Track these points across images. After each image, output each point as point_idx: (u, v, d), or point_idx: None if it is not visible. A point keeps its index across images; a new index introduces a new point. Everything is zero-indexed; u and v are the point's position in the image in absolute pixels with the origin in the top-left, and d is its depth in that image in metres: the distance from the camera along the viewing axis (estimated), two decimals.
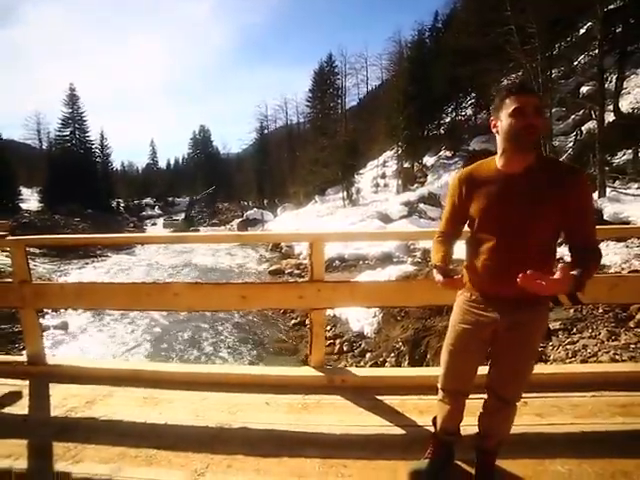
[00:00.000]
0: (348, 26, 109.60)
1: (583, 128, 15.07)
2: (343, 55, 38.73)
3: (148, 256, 21.71)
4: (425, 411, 2.05)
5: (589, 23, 15.26)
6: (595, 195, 12.61)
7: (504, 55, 15.66)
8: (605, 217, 11.92)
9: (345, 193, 28.40)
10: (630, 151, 12.93)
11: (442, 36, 26.97)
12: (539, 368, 1.83)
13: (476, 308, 1.58)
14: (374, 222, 19.79)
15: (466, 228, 1.65)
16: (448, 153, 25.31)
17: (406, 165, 27.09)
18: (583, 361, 5.35)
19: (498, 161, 1.51)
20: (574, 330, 6.23)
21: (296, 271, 16.66)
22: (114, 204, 46.73)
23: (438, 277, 1.54)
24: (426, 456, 1.79)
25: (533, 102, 1.40)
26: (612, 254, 9.02)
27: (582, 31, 17.45)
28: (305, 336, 10.83)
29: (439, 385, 1.73)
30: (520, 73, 16.83)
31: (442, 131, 27.39)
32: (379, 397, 2.16)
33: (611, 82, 14.26)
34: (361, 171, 30.32)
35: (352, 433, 1.88)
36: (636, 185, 12.68)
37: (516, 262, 1.39)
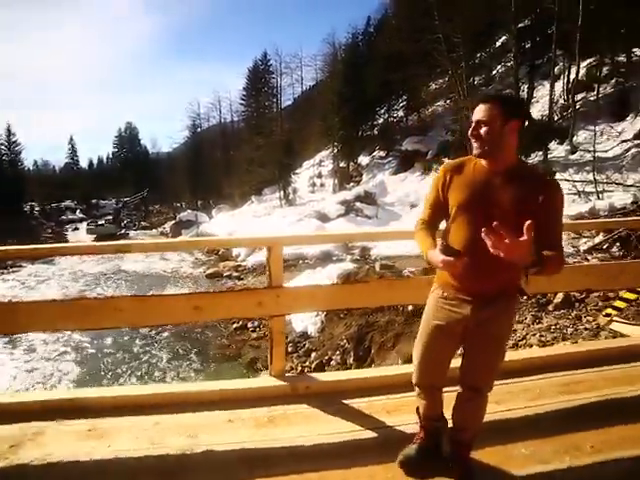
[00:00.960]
0: (283, 25, 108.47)
1: None
2: (278, 54, 38.37)
3: (70, 264, 19.66)
4: (393, 411, 2.05)
5: (504, 37, 16.90)
6: None
7: (432, 61, 16.64)
8: None
9: (282, 193, 28.26)
10: (540, 153, 14.35)
11: (374, 40, 27.89)
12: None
13: (449, 305, 1.60)
14: (312, 221, 19.95)
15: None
16: (382, 153, 26.28)
17: (342, 164, 27.66)
18: (514, 345, 5.81)
19: (482, 160, 1.56)
20: None
21: (235, 273, 16.22)
22: (27, 208, 41.99)
23: (440, 257, 1.46)
24: (414, 441, 1.82)
25: (481, 113, 1.48)
26: None
27: (498, 44, 19.21)
28: (248, 340, 10.57)
29: (413, 381, 1.74)
30: (447, 79, 17.98)
31: (376, 132, 28.36)
32: (346, 401, 2.12)
33: (524, 91, 15.75)
34: (297, 171, 30.36)
35: (324, 442, 1.80)
36: None
37: (489, 258, 1.38)
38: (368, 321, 8.34)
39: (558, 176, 13.74)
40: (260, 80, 37.71)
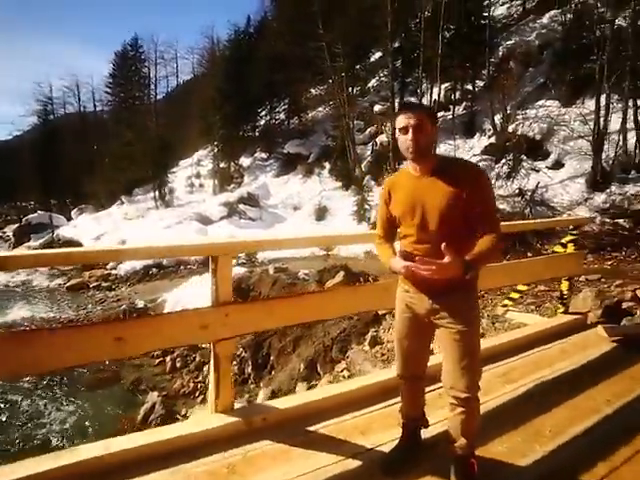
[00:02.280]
0: (156, 9, 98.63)
1: (377, 140, 17.89)
2: (154, 41, 35.03)
3: None
4: (366, 430, 1.89)
5: (378, 53, 18.53)
6: None
7: (314, 68, 17.17)
8: None
9: (157, 193, 25.79)
10: None
11: (256, 40, 27.48)
12: (435, 359, 1.89)
13: (411, 298, 1.72)
14: (193, 224, 18.71)
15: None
16: (264, 155, 26.04)
17: (222, 165, 26.56)
18: None
19: (408, 167, 1.71)
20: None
21: (105, 284, 14.16)
22: None
23: (402, 263, 1.58)
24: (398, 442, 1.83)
25: (414, 118, 1.56)
26: None
27: (373, 59, 20.96)
28: (123, 358, 9.16)
29: (397, 373, 1.81)
30: (327, 86, 18.76)
31: (257, 133, 28.00)
32: (312, 428, 1.89)
33: (396, 105, 17.40)
34: (174, 170, 28.11)
35: None
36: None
37: (434, 252, 1.52)
38: None
39: None
40: (130, 68, 33.78)
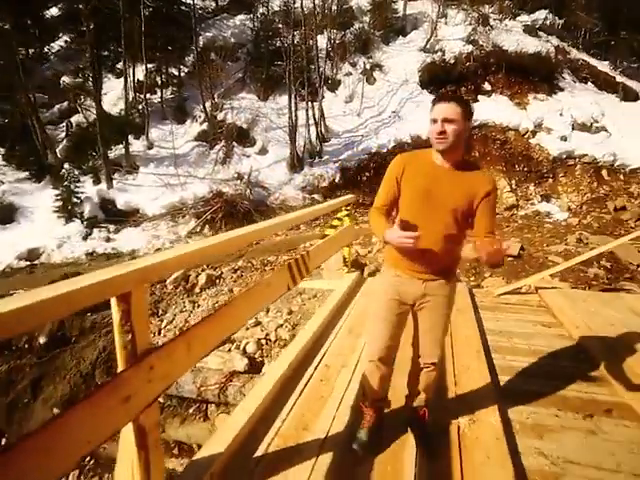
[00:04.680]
0: None
1: (73, 120, 14.97)
2: None
3: None
4: None
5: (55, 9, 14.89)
6: (104, 186, 13.34)
7: None
8: (119, 206, 13.01)
9: None
10: (121, 146, 14.47)
11: None
12: None
13: (401, 282, 1.78)
14: None
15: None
16: None
17: None
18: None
19: (433, 154, 1.71)
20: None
21: None
22: None
23: (398, 233, 1.56)
24: (362, 425, 2.01)
25: (448, 111, 1.58)
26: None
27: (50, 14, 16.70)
28: None
29: (370, 358, 1.86)
30: None
31: None
32: None
33: (89, 80, 14.95)
34: None
35: None
36: (132, 176, 14.54)
37: (435, 243, 1.66)
38: None
39: (143, 169, 14.55)
40: None
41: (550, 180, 13.34)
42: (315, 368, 2.98)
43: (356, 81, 16.65)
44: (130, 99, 15.20)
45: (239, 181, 14.00)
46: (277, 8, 17.58)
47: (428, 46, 16.27)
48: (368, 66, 16.72)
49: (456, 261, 1.85)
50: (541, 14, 16.81)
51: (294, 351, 3.10)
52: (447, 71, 15.47)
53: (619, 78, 16.46)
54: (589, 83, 16.09)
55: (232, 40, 17.21)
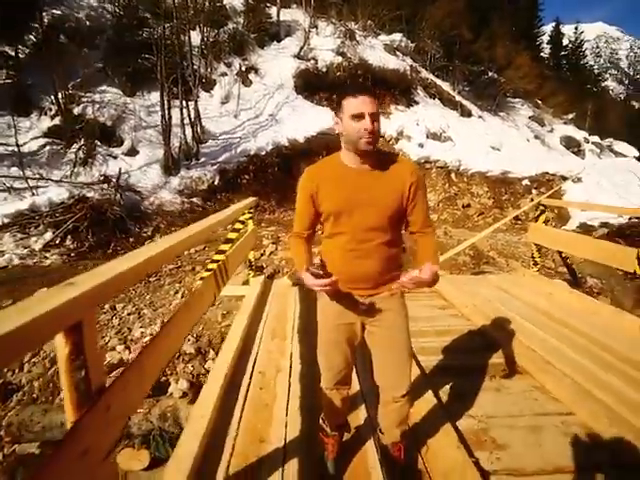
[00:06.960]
0: None
1: None
2: None
3: None
4: None
5: None
6: None
7: None
8: None
9: None
10: None
11: None
12: None
13: (344, 303, 1.60)
14: None
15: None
16: None
17: None
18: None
19: (343, 158, 1.51)
20: None
21: None
22: None
23: (312, 281, 1.42)
24: (327, 457, 1.88)
25: (372, 105, 1.38)
26: None
27: None
28: None
29: (327, 385, 1.73)
30: None
31: None
32: None
33: None
34: None
35: None
36: None
37: (371, 254, 1.51)
38: None
39: None
40: None
41: None
42: (250, 377, 2.86)
43: (232, 82, 16.32)
44: None
45: (106, 185, 12.38)
46: None
47: (302, 53, 16.88)
48: (244, 68, 16.56)
49: (398, 268, 1.63)
50: (397, 36, 19.03)
51: (224, 364, 2.91)
52: (320, 78, 16.31)
53: (457, 97, 19.68)
54: (437, 99, 18.85)
55: (87, 23, 15.10)
